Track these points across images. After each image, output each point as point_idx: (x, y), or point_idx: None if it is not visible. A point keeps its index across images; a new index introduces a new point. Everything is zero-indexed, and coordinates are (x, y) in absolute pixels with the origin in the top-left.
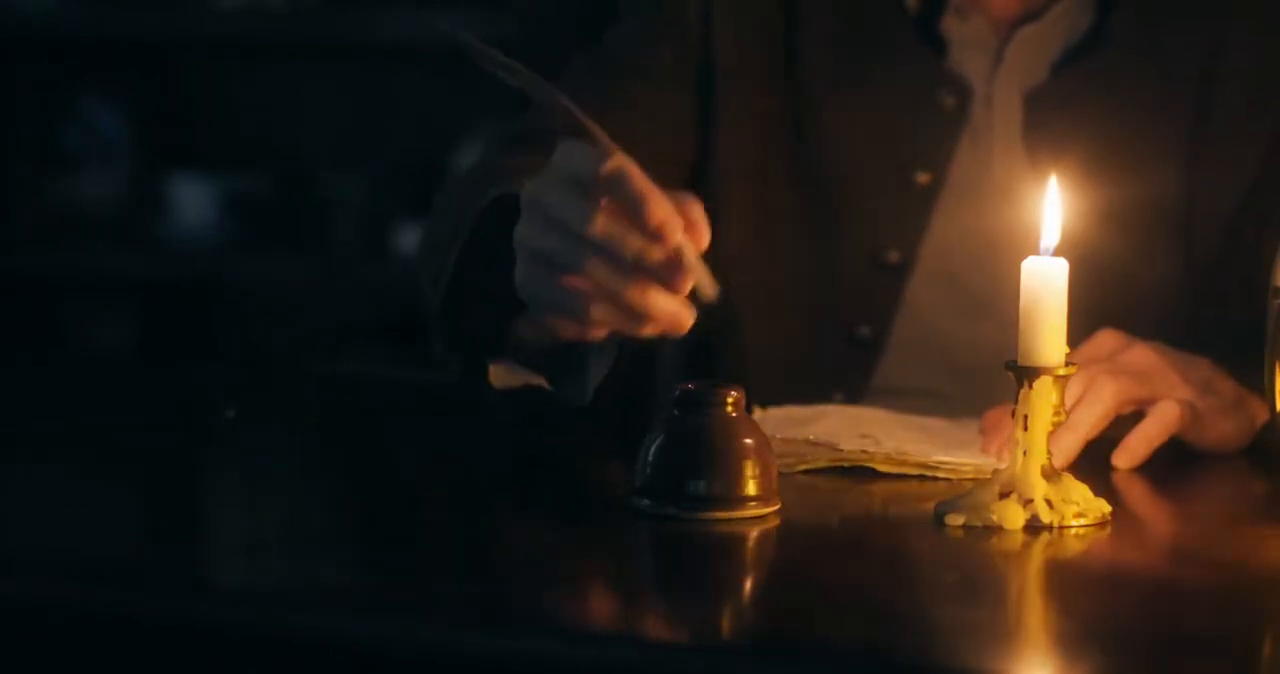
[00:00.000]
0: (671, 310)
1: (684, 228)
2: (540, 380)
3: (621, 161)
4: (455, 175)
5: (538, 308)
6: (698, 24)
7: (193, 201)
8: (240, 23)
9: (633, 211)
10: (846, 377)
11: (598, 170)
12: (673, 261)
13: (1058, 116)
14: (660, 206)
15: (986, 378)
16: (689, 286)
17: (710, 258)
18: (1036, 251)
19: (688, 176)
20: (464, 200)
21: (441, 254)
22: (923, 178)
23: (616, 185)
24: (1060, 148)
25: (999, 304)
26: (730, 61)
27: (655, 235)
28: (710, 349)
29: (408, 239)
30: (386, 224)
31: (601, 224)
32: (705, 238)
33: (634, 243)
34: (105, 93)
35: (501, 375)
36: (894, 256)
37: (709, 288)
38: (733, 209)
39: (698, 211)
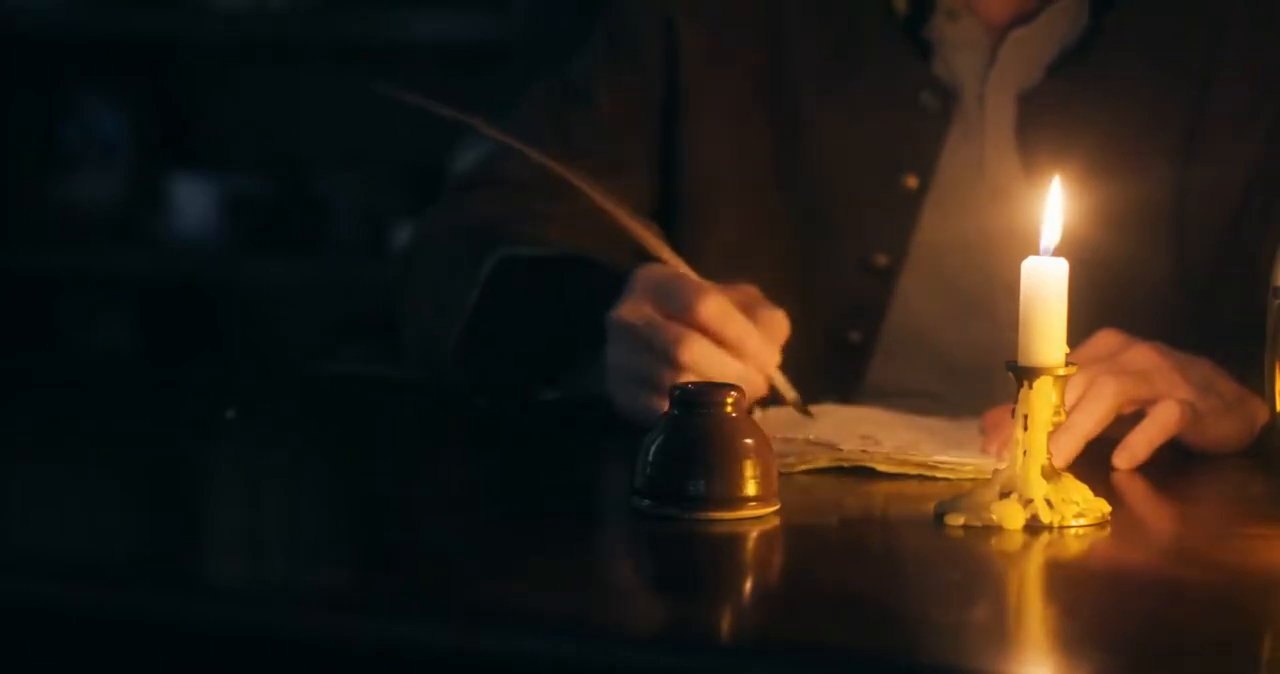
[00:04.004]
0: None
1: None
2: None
3: (720, 303)
4: (435, 229)
5: (631, 417)
6: (662, 44)
7: (193, 201)
8: (240, 23)
9: (732, 346)
10: (837, 380)
11: (696, 307)
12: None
13: (1052, 117)
14: (755, 343)
15: (978, 378)
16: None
17: (698, 264)
18: (1029, 252)
19: (647, 206)
20: (456, 260)
21: (450, 312)
22: (910, 180)
23: (718, 326)
24: (1055, 149)
25: (990, 304)
26: (704, 77)
27: (755, 365)
28: None
29: (406, 239)
30: (386, 224)
31: (693, 354)
32: (783, 337)
33: (724, 368)
34: (105, 93)
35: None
36: (882, 260)
37: (791, 394)
38: (718, 218)
39: (779, 326)
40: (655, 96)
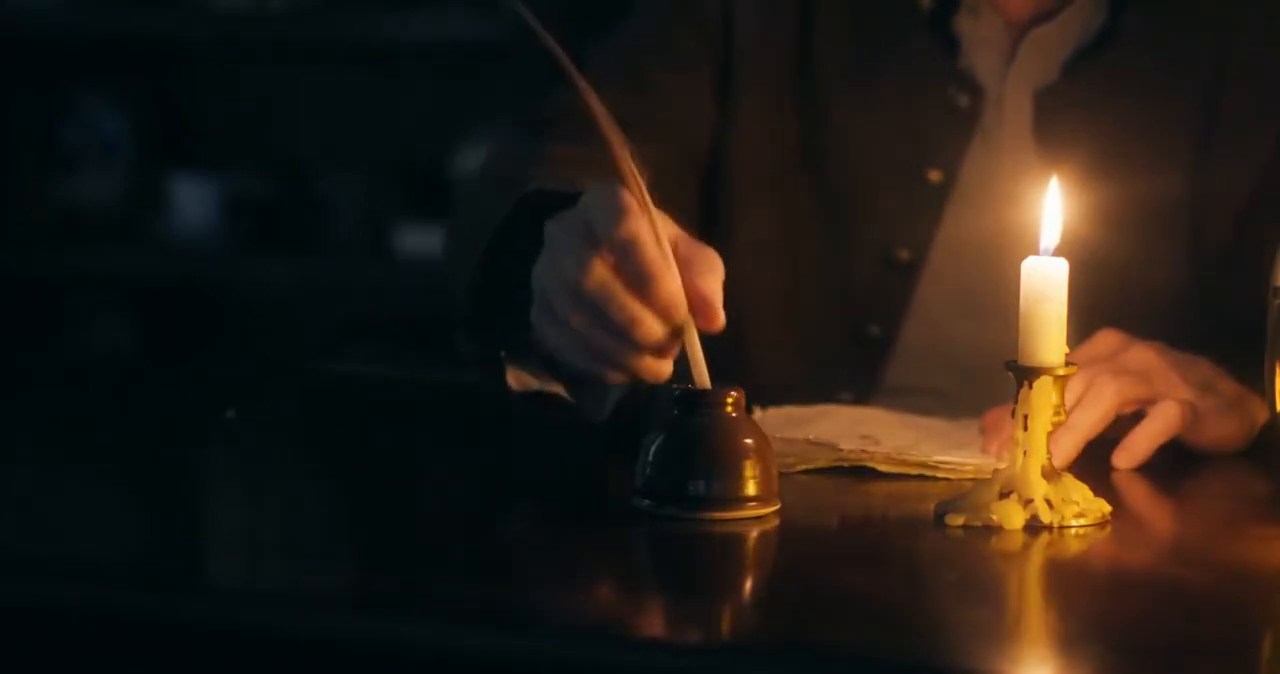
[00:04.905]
0: (653, 370)
1: (697, 300)
2: (558, 387)
3: (636, 226)
4: (484, 162)
5: (540, 338)
6: (719, 19)
7: (193, 201)
8: (240, 23)
9: (639, 285)
10: (855, 376)
11: (612, 230)
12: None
13: (1068, 116)
14: (667, 286)
15: (994, 378)
16: (674, 355)
17: (726, 258)
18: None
19: (705, 164)
20: (492, 193)
21: (470, 248)
22: (934, 176)
23: (626, 254)
24: (1070, 147)
25: (1008, 304)
26: (751, 53)
27: (661, 312)
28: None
29: (408, 239)
30: (386, 224)
31: (595, 282)
32: (718, 320)
33: (623, 311)
34: (105, 93)
35: (520, 378)
36: (905, 255)
37: (704, 379)
38: (746, 205)
39: (714, 284)
40: (717, 59)
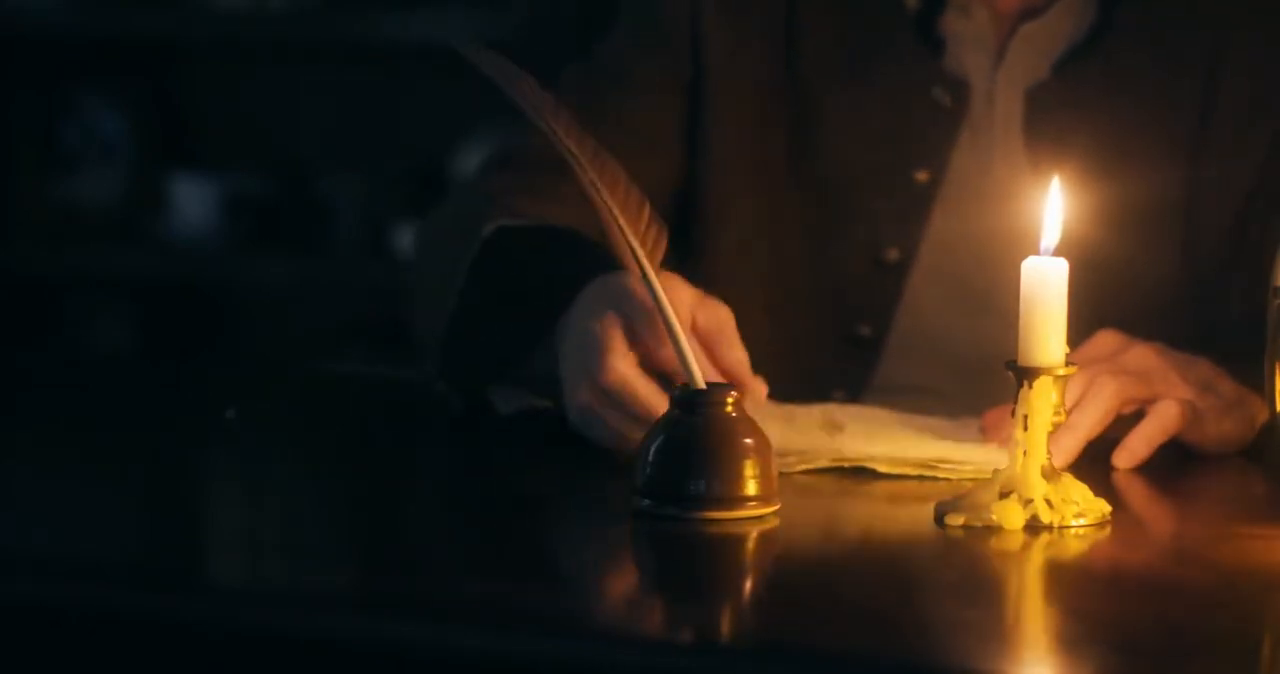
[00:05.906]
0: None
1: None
2: (545, 402)
3: (621, 372)
4: (445, 204)
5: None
6: (689, 28)
7: (193, 201)
8: (240, 23)
9: (629, 406)
10: (846, 375)
11: (602, 373)
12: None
13: (1059, 114)
14: (646, 403)
15: (987, 376)
16: None
17: (710, 259)
18: (1037, 250)
19: (674, 185)
20: (460, 231)
21: (441, 288)
22: (921, 176)
23: (617, 395)
24: (1061, 145)
25: (999, 302)
26: (726, 63)
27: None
28: None
29: (408, 239)
30: (386, 224)
31: (588, 401)
32: (756, 391)
33: (613, 422)
34: (105, 93)
35: (505, 402)
36: (894, 255)
37: (699, 380)
38: (732, 208)
39: (738, 355)
40: (684, 78)
